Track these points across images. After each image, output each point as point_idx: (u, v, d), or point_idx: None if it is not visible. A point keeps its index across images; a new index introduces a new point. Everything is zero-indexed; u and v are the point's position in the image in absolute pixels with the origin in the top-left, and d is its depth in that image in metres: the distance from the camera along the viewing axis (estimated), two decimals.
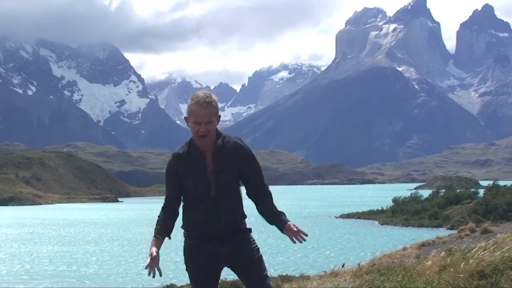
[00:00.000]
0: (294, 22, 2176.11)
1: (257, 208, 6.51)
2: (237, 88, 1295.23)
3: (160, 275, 6.23)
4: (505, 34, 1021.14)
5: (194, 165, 6.28)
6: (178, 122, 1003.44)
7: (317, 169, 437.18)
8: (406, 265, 11.94)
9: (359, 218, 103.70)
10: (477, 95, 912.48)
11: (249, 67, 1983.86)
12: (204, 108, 6.16)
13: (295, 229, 6.31)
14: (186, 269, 6.47)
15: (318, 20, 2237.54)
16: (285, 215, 6.45)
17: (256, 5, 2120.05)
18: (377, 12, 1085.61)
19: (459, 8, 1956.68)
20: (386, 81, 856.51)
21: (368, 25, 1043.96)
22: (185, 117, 6.44)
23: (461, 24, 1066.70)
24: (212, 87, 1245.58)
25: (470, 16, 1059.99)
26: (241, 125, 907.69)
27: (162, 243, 6.35)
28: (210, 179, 6.24)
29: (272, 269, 47.31)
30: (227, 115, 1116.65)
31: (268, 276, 6.44)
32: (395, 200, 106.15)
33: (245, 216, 6.54)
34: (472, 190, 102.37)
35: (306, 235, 6.12)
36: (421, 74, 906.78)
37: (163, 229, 6.36)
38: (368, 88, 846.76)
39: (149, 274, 6.21)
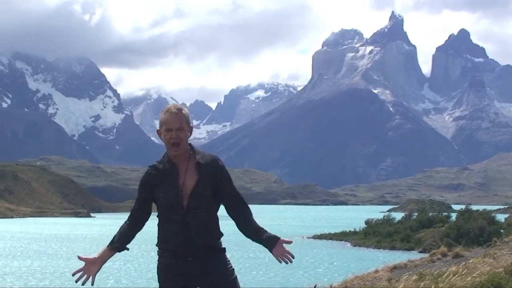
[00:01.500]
0: (272, 41, 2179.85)
1: (238, 225, 6.45)
2: (213, 106, 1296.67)
3: (92, 284, 6.09)
4: (481, 59, 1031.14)
5: (167, 177, 6.23)
6: (153, 138, 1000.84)
7: (290, 189, 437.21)
8: (377, 287, 12.05)
9: (331, 239, 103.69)
10: (451, 119, 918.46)
11: (226, 85, 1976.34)
12: (175, 114, 6.20)
13: (286, 248, 6.48)
14: None
15: (296, 40, 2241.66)
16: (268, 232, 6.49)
17: (235, 23, 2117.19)
18: (354, 34, 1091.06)
19: (435, 32, 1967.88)
20: (361, 103, 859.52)
21: (345, 47, 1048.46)
22: (157, 130, 6.44)
23: (437, 48, 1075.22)
24: (188, 104, 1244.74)
25: (446, 41, 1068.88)
26: (216, 143, 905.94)
27: (113, 254, 6.31)
28: (182, 190, 6.17)
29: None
30: (202, 133, 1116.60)
31: None
32: (367, 222, 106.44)
33: (221, 234, 6.44)
34: (445, 214, 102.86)
35: (293, 257, 6.07)
36: (397, 97, 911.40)
37: (119, 238, 6.32)
38: (344, 109, 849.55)
39: (73, 275, 6.16)
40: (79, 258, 6.19)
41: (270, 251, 6.53)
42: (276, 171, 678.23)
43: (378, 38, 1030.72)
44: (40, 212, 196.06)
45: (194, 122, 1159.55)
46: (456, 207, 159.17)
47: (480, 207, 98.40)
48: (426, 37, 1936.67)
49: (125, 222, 6.41)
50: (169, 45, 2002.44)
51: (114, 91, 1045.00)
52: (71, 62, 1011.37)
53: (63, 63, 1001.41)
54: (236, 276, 6.39)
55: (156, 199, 6.31)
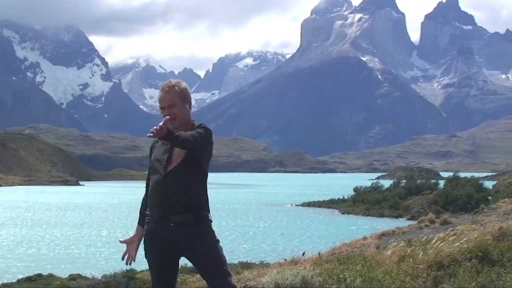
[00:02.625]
0: (263, 9, 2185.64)
1: None
2: (202, 74, 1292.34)
3: (132, 261, 6.50)
4: (469, 27, 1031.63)
5: (161, 147, 6.45)
6: (141, 106, 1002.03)
7: (279, 157, 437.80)
8: (365, 254, 12.05)
9: (320, 207, 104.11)
10: (440, 86, 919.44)
11: (216, 53, 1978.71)
12: (166, 92, 6.36)
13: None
14: (145, 256, 6.46)
15: (287, 7, 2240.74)
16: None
17: None
18: (343, 1, 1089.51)
19: None
20: (350, 71, 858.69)
21: (333, 14, 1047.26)
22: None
23: (426, 16, 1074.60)
24: (176, 73, 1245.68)
25: (435, 8, 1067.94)
26: (205, 111, 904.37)
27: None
28: (169, 156, 6.34)
29: (234, 257, 47.44)
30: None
31: (226, 271, 6.39)
32: (356, 190, 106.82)
33: (204, 201, 6.49)
34: (433, 181, 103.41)
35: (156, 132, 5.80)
36: (385, 65, 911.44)
37: (141, 216, 6.61)
38: (332, 77, 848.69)
39: (122, 259, 6.53)
40: (120, 241, 6.57)
41: None
42: (265, 139, 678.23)
43: (367, 5, 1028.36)
44: (29, 181, 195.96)
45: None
46: (444, 174, 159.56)
47: (468, 175, 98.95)
48: (415, 4, 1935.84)
49: (144, 194, 6.61)
50: (158, 13, 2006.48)
51: (103, 59, 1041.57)
52: (59, 30, 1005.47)
53: (51, 31, 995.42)
54: (220, 246, 6.44)
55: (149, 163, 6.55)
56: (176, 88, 6.40)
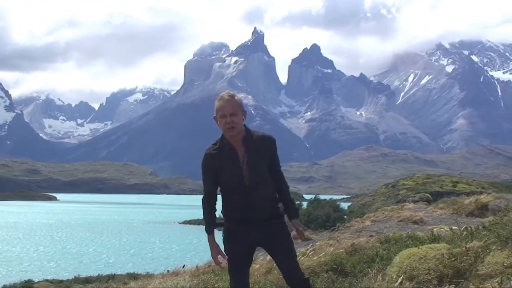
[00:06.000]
0: (156, 51, 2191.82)
1: (276, 191, 6.55)
2: (97, 106, 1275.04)
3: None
4: (329, 70, 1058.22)
5: (228, 160, 6.19)
6: (41, 134, 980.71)
7: (164, 180, 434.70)
8: None
9: (199, 224, 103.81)
10: (304, 121, 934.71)
11: (109, 88, 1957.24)
12: (227, 101, 6.18)
13: (299, 228, 6.39)
14: (225, 250, 6.37)
15: (177, 50, 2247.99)
16: (297, 209, 6.51)
17: (124, 34, 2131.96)
18: (221, 46, 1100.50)
19: (291, 45, 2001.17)
20: None
21: (213, 57, 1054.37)
22: (214, 117, 6.40)
23: (292, 60, 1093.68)
24: (73, 105, 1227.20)
25: (300, 53, 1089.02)
26: (98, 139, 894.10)
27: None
28: (243, 171, 6.13)
29: (122, 268, 46.64)
30: (86, 130, 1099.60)
31: (297, 262, 6.40)
32: None
33: (279, 201, 6.45)
34: (297, 202, 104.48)
35: (305, 239, 5.51)
36: (258, 101, 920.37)
37: (212, 224, 6.37)
38: (212, 111, 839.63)
39: (222, 267, 6.45)
40: (219, 262, 6.32)
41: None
42: (152, 165, 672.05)
43: (242, 50, 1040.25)
44: None
45: (79, 121, 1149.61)
46: (307, 196, 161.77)
47: (327, 197, 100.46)
48: (284, 50, 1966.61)
49: (206, 207, 6.43)
50: (59, 52, 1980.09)
51: (6, 92, 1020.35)
52: None
53: None
54: (292, 241, 6.38)
55: (221, 181, 6.28)
56: (236, 98, 6.22)
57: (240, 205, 6.21)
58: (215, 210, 6.43)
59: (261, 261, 10.61)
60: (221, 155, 6.23)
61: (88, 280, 37.59)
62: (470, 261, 7.07)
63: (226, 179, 6.22)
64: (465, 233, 9.34)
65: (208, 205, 6.38)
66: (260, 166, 6.24)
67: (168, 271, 14.65)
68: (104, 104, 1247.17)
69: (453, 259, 7.25)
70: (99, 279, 36.68)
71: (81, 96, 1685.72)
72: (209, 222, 6.37)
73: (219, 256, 6.26)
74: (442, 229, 12.91)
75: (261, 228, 6.22)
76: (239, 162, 6.16)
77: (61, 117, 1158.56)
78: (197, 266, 13.51)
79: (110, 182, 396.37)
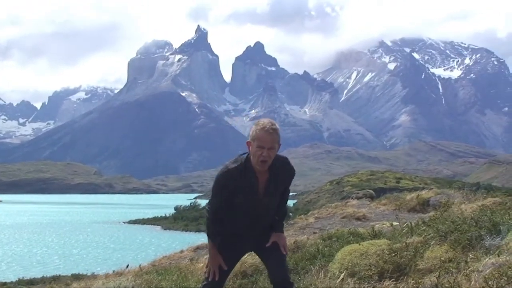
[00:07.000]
0: (100, 48, 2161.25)
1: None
2: (38, 106, 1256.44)
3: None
4: (273, 68, 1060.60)
5: (246, 186, 6.05)
6: None
7: (108, 180, 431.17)
8: (181, 266, 12.08)
9: (144, 224, 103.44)
10: (248, 119, 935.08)
11: (52, 87, 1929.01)
12: (270, 135, 5.92)
13: (281, 241, 6.26)
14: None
15: (121, 48, 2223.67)
16: (282, 225, 6.45)
17: (67, 32, 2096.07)
18: (165, 44, 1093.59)
19: (235, 43, 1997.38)
20: (171, 105, 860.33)
21: (156, 55, 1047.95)
22: (247, 142, 6.21)
23: (236, 58, 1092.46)
24: (14, 104, 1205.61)
25: (244, 51, 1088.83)
26: (41, 139, 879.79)
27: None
28: (257, 201, 6.10)
29: (68, 269, 46.13)
30: (28, 130, 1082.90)
31: (287, 265, 6.34)
32: (176, 208, 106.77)
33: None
34: None
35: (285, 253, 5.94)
36: (202, 100, 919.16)
37: (219, 235, 6.24)
38: (156, 109, 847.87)
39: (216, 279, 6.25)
40: (216, 273, 6.24)
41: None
42: (96, 165, 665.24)
43: (186, 48, 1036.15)
44: None
45: (20, 120, 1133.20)
46: None
47: None
48: (227, 48, 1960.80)
49: (213, 219, 6.24)
50: (0, 50, 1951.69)
51: None
52: None
53: None
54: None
55: (233, 201, 6.14)
56: (278, 132, 6.00)
57: (241, 226, 6.22)
58: (222, 227, 6.26)
59: (205, 260, 10.64)
60: (242, 179, 6.06)
61: (32, 282, 37.27)
62: (409, 256, 7.26)
63: (238, 202, 6.10)
64: (405, 229, 9.49)
65: (216, 219, 6.18)
66: (276, 199, 6.21)
67: (113, 271, 14.59)
68: (46, 103, 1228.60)
69: (393, 254, 7.42)
70: (43, 280, 36.41)
71: (23, 95, 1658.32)
72: (216, 232, 6.23)
73: (219, 266, 6.22)
74: (384, 225, 13.12)
75: (255, 238, 6.28)
76: (257, 191, 6.07)
77: (2, 117, 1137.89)
78: (140, 266, 13.47)
79: (53, 182, 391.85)
